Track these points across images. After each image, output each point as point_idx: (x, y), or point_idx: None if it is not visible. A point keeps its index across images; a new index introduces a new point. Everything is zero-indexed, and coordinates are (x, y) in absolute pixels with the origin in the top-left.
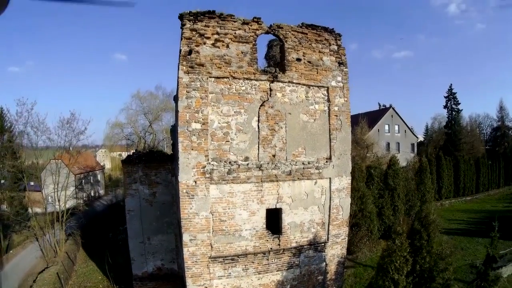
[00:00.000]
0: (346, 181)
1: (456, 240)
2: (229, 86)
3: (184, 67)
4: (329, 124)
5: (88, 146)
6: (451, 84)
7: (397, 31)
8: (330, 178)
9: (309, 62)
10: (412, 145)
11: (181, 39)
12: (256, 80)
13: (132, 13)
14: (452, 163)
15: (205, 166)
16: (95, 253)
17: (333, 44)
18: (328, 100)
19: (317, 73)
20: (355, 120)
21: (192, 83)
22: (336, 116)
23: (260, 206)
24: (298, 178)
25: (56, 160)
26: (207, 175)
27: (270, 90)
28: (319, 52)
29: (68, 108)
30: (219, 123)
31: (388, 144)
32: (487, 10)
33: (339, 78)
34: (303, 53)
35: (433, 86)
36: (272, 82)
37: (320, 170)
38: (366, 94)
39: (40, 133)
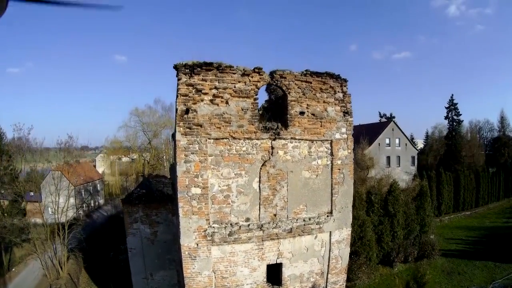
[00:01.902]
0: (346, 232)
1: (453, 264)
2: (229, 147)
3: (181, 128)
4: (332, 178)
5: (89, 148)
6: (452, 95)
7: (397, 32)
8: (330, 232)
9: (313, 114)
10: (413, 157)
11: (177, 96)
12: (258, 139)
13: (131, 14)
14: (453, 177)
15: (206, 230)
16: (98, 275)
17: (338, 91)
18: (332, 154)
19: (321, 126)
20: (355, 133)
21: (190, 145)
22: (339, 169)
23: (261, 263)
24: (299, 235)
25: (53, 172)
26: (209, 238)
27: (272, 148)
28: (324, 102)
29: (69, 108)
30: (219, 186)
31: (389, 158)
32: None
33: (344, 130)
34: (307, 105)
35: (433, 86)
36: (274, 139)
37: (321, 225)
38: (365, 98)
39: (39, 157)
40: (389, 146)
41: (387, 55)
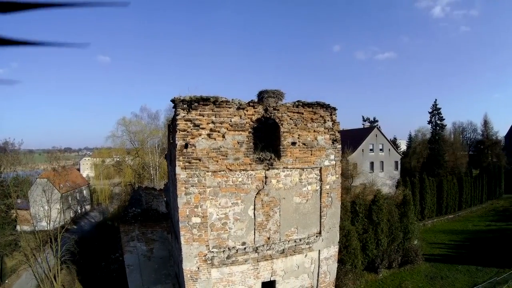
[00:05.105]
0: (334, 250)
1: (436, 268)
2: (226, 179)
3: (181, 163)
4: (320, 202)
5: (72, 150)
6: (435, 100)
7: (381, 32)
8: (319, 250)
9: (304, 144)
10: (396, 162)
11: (176, 132)
12: (252, 170)
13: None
14: (436, 183)
15: (206, 254)
16: (91, 287)
17: (328, 120)
18: (321, 180)
19: (311, 154)
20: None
21: (190, 179)
22: (327, 194)
23: (256, 281)
24: (291, 254)
25: (41, 180)
26: (209, 262)
27: (266, 178)
28: (314, 131)
29: (51, 109)
30: (217, 215)
31: (372, 163)
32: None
33: (332, 157)
34: (298, 135)
35: (416, 86)
36: (268, 170)
37: (311, 245)
38: (348, 98)
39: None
40: (373, 151)
41: (371, 56)
